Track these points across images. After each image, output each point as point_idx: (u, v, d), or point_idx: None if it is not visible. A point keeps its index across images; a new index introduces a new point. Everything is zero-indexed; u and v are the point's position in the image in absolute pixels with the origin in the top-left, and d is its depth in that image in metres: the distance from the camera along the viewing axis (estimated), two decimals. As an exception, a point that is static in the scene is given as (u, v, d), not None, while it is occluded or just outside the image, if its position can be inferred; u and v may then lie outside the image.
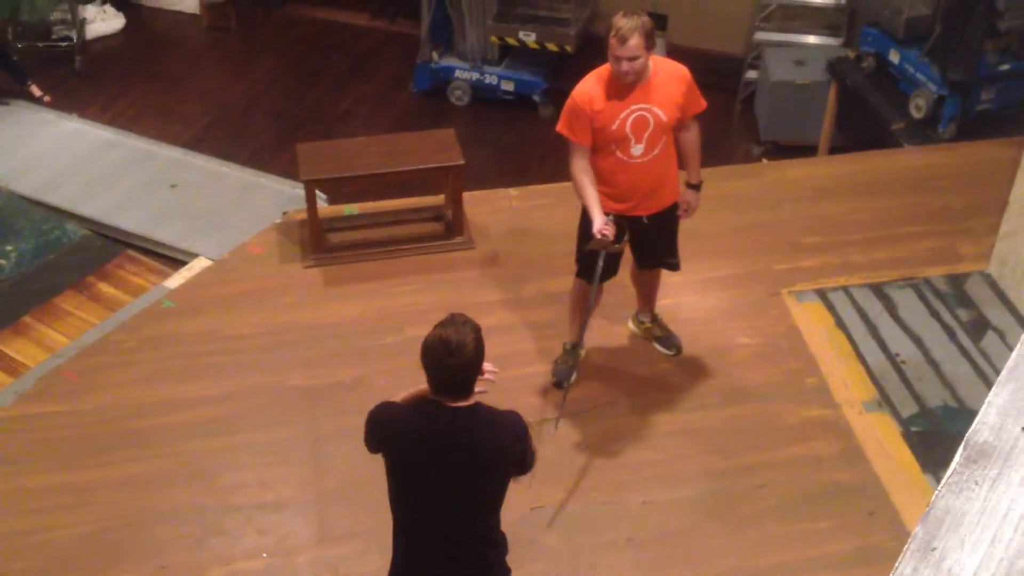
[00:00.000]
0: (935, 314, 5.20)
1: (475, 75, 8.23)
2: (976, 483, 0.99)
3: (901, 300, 5.27)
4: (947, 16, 6.53)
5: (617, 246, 4.24)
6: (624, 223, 4.30)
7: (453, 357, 2.88)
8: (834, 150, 7.34)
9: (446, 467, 3.01)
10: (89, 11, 9.20)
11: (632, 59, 3.99)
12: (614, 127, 4.14)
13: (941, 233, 5.71)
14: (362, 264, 5.53)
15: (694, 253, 5.49)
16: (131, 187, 7.14)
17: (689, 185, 4.51)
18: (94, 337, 5.21)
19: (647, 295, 4.90)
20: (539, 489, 4.11)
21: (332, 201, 6.42)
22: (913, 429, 4.62)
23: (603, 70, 4.17)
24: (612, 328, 5.09)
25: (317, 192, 5.59)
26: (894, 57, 6.99)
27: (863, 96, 7.09)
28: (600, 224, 4.13)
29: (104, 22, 9.26)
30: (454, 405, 2.99)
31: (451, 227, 5.67)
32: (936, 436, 4.59)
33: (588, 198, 4.21)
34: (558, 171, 7.38)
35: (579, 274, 4.58)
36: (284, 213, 5.94)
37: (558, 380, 4.74)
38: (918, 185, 6.09)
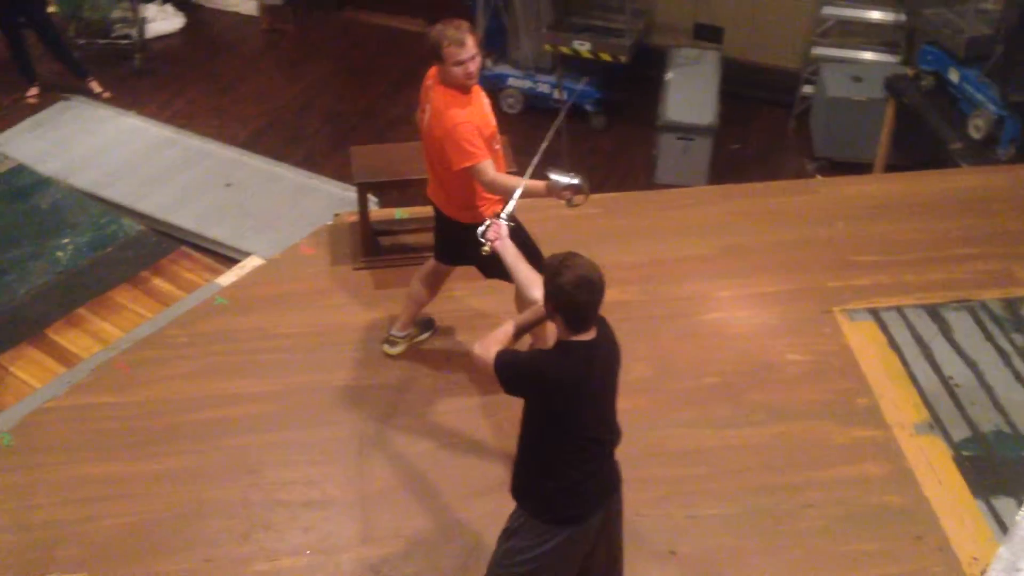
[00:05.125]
0: (990, 337, 5.12)
1: (528, 83, 8.25)
2: (1061, 504, 0.96)
3: (955, 322, 5.19)
4: (1008, 36, 6.43)
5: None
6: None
7: (600, 289, 3.11)
8: (890, 168, 7.25)
9: (614, 378, 3.33)
10: (150, 10, 9.35)
11: (474, 58, 4.08)
12: (490, 128, 4.28)
13: (997, 256, 5.62)
14: (411, 268, 5.50)
15: (745, 268, 5.46)
16: (187, 185, 7.23)
17: None
18: (147, 331, 5.29)
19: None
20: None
21: (383, 204, 6.45)
22: (965, 453, 4.54)
23: (450, 95, 4.13)
24: (657, 340, 5.07)
25: (369, 195, 5.63)
26: (953, 76, 6.89)
27: (921, 115, 7.00)
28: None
29: (164, 21, 9.42)
30: (593, 334, 3.17)
31: (501, 234, 5.67)
32: (988, 461, 4.51)
33: (513, 183, 4.18)
34: (606, 182, 7.41)
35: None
36: (335, 215, 5.98)
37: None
38: (975, 206, 6.00)
